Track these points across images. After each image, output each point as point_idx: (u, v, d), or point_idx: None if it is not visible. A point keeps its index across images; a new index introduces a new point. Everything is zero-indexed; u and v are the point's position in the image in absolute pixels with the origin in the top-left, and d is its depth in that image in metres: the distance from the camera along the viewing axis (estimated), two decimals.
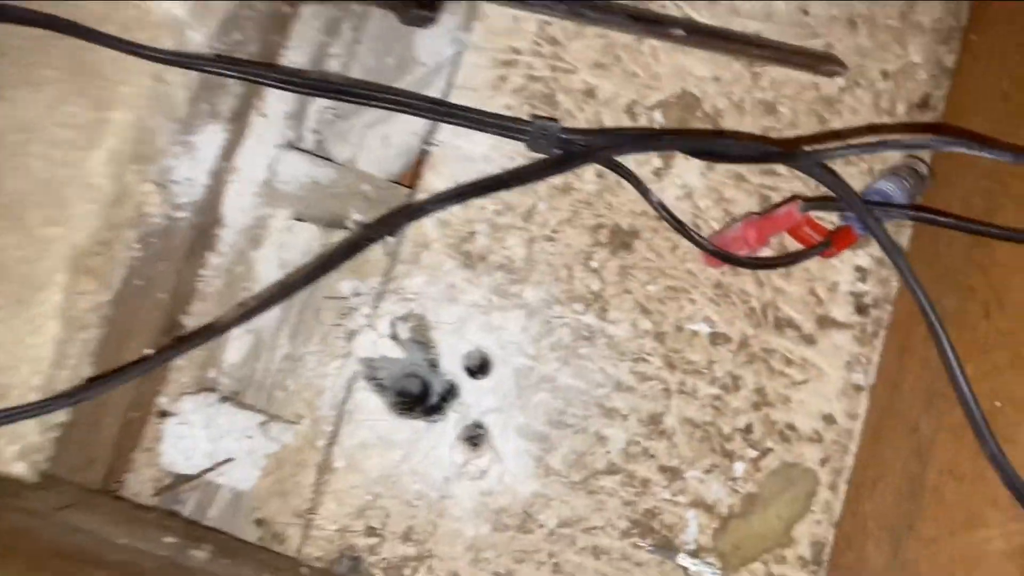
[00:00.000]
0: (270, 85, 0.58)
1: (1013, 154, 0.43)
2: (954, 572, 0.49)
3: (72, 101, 0.53)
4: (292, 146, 0.67)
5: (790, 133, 0.65)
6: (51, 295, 0.51)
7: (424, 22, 0.55)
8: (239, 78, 0.56)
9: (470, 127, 0.57)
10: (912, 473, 0.56)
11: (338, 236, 0.68)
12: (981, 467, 0.50)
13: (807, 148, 0.51)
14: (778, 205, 0.60)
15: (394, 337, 0.59)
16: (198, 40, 0.57)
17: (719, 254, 0.56)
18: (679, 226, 0.55)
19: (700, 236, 0.56)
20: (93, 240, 0.53)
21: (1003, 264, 0.53)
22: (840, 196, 0.47)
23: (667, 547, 0.61)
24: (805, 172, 0.48)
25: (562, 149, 0.56)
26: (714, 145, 0.54)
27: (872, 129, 0.66)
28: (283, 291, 0.56)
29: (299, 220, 0.69)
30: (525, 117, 0.61)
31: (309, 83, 0.54)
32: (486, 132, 0.57)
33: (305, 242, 0.69)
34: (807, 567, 0.62)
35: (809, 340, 0.64)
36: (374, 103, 0.56)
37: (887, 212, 0.54)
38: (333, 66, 0.70)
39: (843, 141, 0.45)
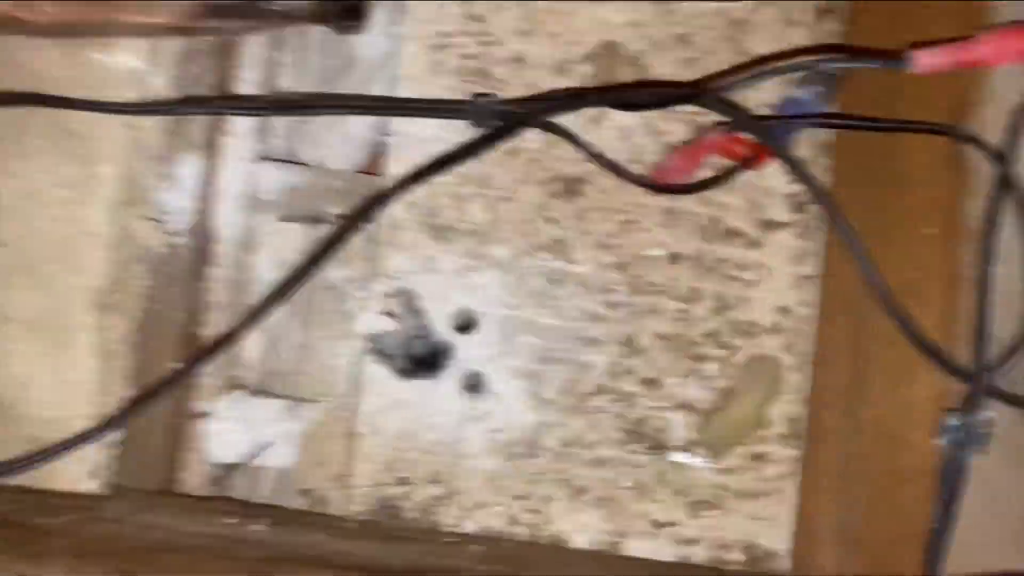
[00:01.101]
0: (233, 114, 0.65)
1: (881, 60, 0.50)
2: (894, 421, 0.56)
3: (63, 163, 0.59)
4: (265, 157, 0.74)
5: (708, 60, 0.71)
6: (84, 336, 0.59)
7: (355, 30, 0.61)
8: (204, 114, 0.62)
9: (415, 116, 0.63)
10: (858, 346, 0.63)
11: (322, 230, 0.75)
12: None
13: (710, 85, 0.57)
14: (704, 131, 0.67)
15: (387, 314, 0.67)
16: (159, 83, 0.63)
17: (658, 187, 0.63)
18: (617, 169, 0.62)
19: (637, 175, 0.63)
20: (108, 280, 0.60)
21: (905, 149, 0.60)
22: (744, 127, 0.53)
23: (660, 447, 0.69)
24: (708, 108, 0.55)
25: (502, 120, 0.63)
26: (629, 96, 0.60)
27: (783, 40, 0.71)
28: (281, 292, 0.63)
29: (286, 221, 0.76)
30: (464, 97, 0.67)
31: (267, 105, 0.61)
32: (431, 118, 0.64)
33: (294, 240, 0.76)
34: (786, 442, 0.70)
35: (756, 244, 0.71)
36: (327, 112, 0.62)
37: (791, 124, 0.60)
38: (286, 75, 0.76)
39: (745, 72, 0.51)
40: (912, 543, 0.53)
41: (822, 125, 0.62)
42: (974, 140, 0.50)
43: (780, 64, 0.50)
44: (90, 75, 0.60)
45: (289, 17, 0.59)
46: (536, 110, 0.59)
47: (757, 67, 0.52)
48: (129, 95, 0.61)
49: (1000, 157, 0.49)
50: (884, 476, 0.57)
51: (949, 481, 0.47)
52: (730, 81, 0.52)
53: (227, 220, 0.72)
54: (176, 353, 0.69)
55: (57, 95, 0.58)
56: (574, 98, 0.59)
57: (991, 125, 0.51)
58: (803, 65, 0.51)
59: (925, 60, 0.49)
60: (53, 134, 0.59)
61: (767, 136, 0.51)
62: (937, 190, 0.55)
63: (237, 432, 0.69)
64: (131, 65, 0.61)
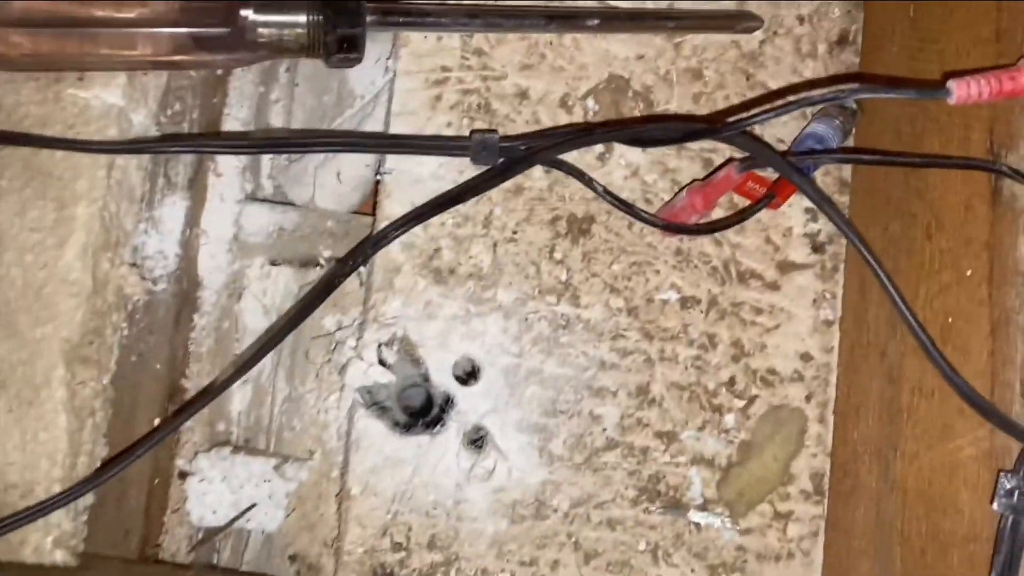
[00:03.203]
0: (219, 153, 0.61)
1: (916, 90, 0.46)
2: (935, 482, 0.52)
3: (35, 205, 0.55)
4: (252, 198, 0.70)
5: (719, 95, 0.67)
6: (54, 391, 0.54)
7: (350, 63, 0.57)
8: (188, 152, 0.58)
9: (413, 153, 0.60)
10: (888, 397, 0.59)
11: (314, 274, 0.71)
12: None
13: (730, 119, 0.54)
14: (718, 168, 0.63)
15: (382, 363, 0.62)
16: (140, 120, 0.59)
17: (671, 227, 0.59)
18: (628, 209, 0.58)
19: (649, 215, 0.59)
20: (83, 331, 0.56)
21: (936, 186, 0.56)
22: (764, 160, 0.50)
23: (676, 506, 0.64)
24: (728, 143, 0.51)
25: (504, 157, 0.59)
26: (643, 132, 0.57)
27: (796, 73, 0.68)
28: (269, 342, 0.59)
29: (274, 265, 0.72)
30: (464, 133, 0.64)
31: (256, 144, 0.57)
32: (429, 155, 0.60)
33: (284, 285, 0.72)
34: (810, 499, 0.65)
35: (773, 286, 0.67)
36: (319, 149, 0.59)
37: (817, 160, 0.57)
38: (275, 112, 0.72)
39: (764, 106, 0.48)
40: None
41: (849, 160, 0.58)
42: (1018, 175, 0.47)
43: (808, 96, 0.46)
44: (67, 112, 0.56)
45: (280, 49, 0.56)
46: (542, 147, 0.55)
47: (780, 100, 0.48)
48: (109, 133, 0.57)
49: None
50: (925, 540, 0.52)
51: (1007, 549, 0.43)
52: (751, 115, 0.48)
53: (211, 264, 0.68)
54: (156, 408, 0.64)
55: (30, 133, 0.54)
56: (583, 135, 0.56)
57: None
58: (833, 97, 0.48)
59: (962, 91, 0.46)
60: (25, 174, 0.55)
61: (792, 172, 0.47)
62: (974, 229, 0.51)
63: (220, 492, 0.64)
64: (111, 101, 0.57)
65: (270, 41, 0.55)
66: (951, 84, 0.46)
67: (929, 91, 0.46)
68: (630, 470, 0.64)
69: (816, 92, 0.46)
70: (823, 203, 0.46)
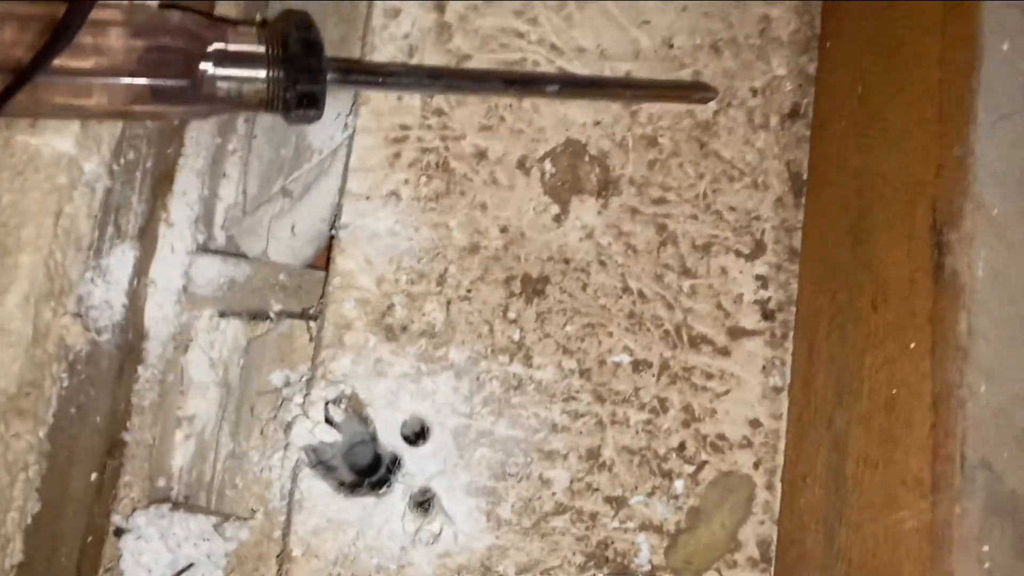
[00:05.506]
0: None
1: None
2: (879, 554, 0.52)
3: None
4: (204, 249, 0.69)
5: (673, 161, 0.69)
6: None
7: (309, 120, 0.57)
8: None
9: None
10: (834, 465, 0.59)
11: (263, 327, 0.70)
12: (890, 452, 0.54)
13: None
14: None
15: (329, 421, 0.61)
16: (92, 168, 0.58)
17: None
18: None
19: None
20: (19, 383, 0.54)
21: (882, 259, 0.57)
22: None
23: (624, 573, 0.63)
24: None
25: None
26: None
27: (748, 143, 0.70)
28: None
29: (223, 316, 0.71)
30: (423, 192, 0.64)
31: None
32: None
33: (232, 338, 0.71)
34: (757, 567, 0.65)
35: (724, 352, 0.67)
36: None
37: None
38: (232, 163, 0.72)
39: None
40: None
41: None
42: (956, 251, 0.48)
43: None
44: (16, 158, 0.55)
45: (239, 104, 0.55)
46: None
47: None
48: (58, 181, 0.56)
49: None
50: None
51: None
52: None
53: (159, 315, 0.67)
54: (94, 462, 0.62)
55: None
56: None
57: (977, 236, 0.49)
58: None
59: None
60: None
61: None
62: (918, 302, 0.52)
63: (157, 551, 0.62)
64: (61, 148, 0.56)
65: (229, 95, 0.55)
66: None
67: None
68: (579, 535, 0.64)
69: None
70: None
